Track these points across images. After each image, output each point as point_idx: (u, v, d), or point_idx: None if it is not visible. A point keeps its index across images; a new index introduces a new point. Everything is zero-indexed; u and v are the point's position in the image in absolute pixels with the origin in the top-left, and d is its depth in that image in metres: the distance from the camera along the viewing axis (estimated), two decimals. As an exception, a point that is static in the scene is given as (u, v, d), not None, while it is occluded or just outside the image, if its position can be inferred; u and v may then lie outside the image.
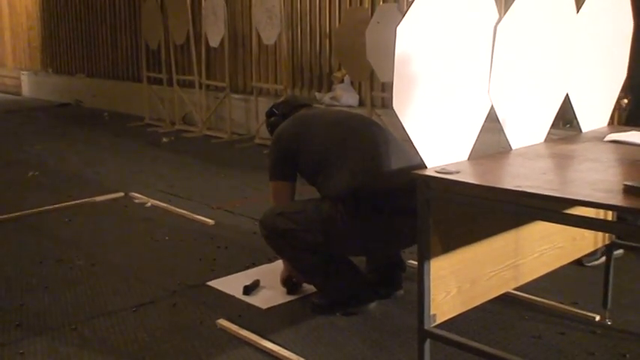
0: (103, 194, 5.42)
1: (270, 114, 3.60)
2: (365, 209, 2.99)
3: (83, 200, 5.27)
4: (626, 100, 3.54)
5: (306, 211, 3.11)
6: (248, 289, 3.44)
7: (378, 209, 2.98)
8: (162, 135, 8.34)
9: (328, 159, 3.14)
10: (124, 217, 4.91)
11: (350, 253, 3.22)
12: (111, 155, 7.26)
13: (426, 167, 2.18)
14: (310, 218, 3.07)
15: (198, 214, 4.81)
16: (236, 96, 8.23)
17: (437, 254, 2.22)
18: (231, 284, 3.56)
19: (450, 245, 2.26)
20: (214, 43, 8.01)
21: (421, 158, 2.19)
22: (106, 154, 7.31)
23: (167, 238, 4.38)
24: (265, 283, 3.50)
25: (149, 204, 5.16)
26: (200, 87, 8.47)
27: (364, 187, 3.01)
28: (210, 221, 4.67)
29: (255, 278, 3.51)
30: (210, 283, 3.59)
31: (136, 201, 5.28)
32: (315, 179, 3.21)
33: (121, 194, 5.46)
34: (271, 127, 3.52)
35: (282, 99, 4.24)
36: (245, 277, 3.60)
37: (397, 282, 3.39)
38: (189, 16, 8.25)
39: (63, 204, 5.16)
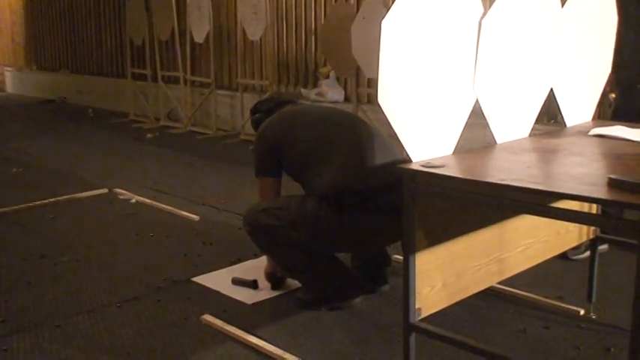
0: (87, 190, 5.39)
1: (254, 111, 3.59)
2: (350, 207, 2.98)
3: (68, 196, 5.24)
4: (613, 95, 3.55)
5: (290, 207, 3.10)
6: (237, 282, 3.45)
7: (363, 207, 2.98)
8: (147, 131, 8.31)
9: (313, 156, 3.14)
10: (109, 214, 4.88)
11: (334, 250, 3.22)
12: (95, 151, 7.23)
13: (411, 162, 2.18)
14: (294, 215, 3.07)
15: (183, 210, 4.80)
16: (221, 92, 8.21)
17: (422, 248, 2.22)
18: (216, 280, 3.55)
19: (435, 239, 2.27)
20: (199, 39, 7.98)
21: (406, 153, 2.19)
22: (90, 151, 7.27)
23: (152, 234, 4.36)
24: (250, 278, 3.49)
25: (134, 200, 5.14)
26: (185, 83, 8.45)
27: (349, 186, 3.00)
28: (195, 217, 4.66)
29: (253, 279, 3.48)
30: (195, 279, 3.58)
31: (121, 197, 5.25)
32: (300, 176, 3.20)
33: (106, 190, 5.43)
34: (256, 124, 3.51)
35: (266, 96, 4.22)
36: (230, 273, 3.59)
37: (382, 277, 3.39)
38: (174, 12, 8.22)
39: (47, 200, 5.13)
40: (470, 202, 2.24)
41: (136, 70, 9.23)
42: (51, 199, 5.16)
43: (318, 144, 3.15)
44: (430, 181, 2.13)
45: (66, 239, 4.30)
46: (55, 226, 4.60)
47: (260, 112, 3.53)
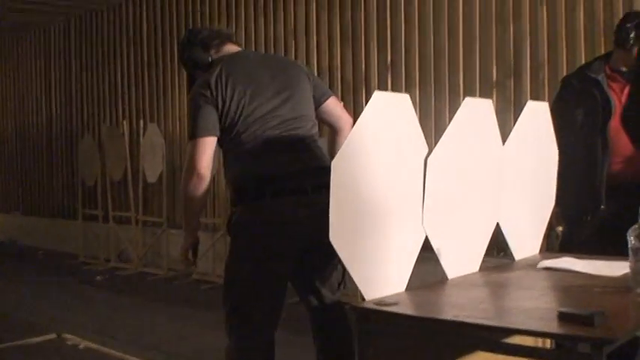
0: (35, 336, 5.21)
1: (189, 41, 3.14)
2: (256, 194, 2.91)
3: (14, 343, 5.05)
4: (560, 228, 3.63)
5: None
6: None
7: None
8: (97, 273, 8.17)
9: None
10: (56, 360, 4.72)
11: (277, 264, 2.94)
12: (44, 295, 7.05)
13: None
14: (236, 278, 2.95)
15: (133, 356, 4.65)
16: (174, 231, 8.17)
17: (378, 389, 2.17)
18: None
19: (391, 379, 2.23)
20: (152, 178, 8.03)
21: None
22: (38, 294, 7.09)
23: (100, 381, 4.22)
24: None
25: (82, 346, 4.98)
26: (137, 223, 8.41)
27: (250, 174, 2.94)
28: (146, 362, 4.53)
29: None
30: None
31: (69, 342, 5.08)
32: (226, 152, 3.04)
33: (54, 335, 5.26)
34: (190, 60, 3.12)
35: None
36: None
37: None
38: (127, 153, 8.29)
39: (-9, 348, 4.95)
40: (424, 340, 2.22)
41: (87, 211, 9.19)
42: (-4, 347, 4.98)
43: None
44: (384, 319, 2.12)
45: (10, 389, 4.12)
46: (-2, 375, 4.42)
47: (195, 44, 3.13)
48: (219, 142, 2.97)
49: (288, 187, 2.89)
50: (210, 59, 3.08)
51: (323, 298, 3.09)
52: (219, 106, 2.89)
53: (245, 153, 2.95)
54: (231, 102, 2.90)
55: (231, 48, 3.16)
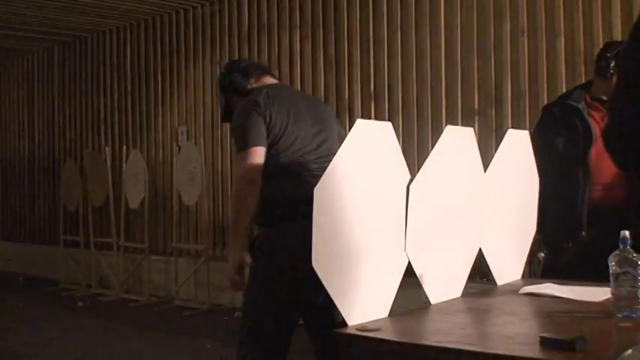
0: (13, 363, 5.17)
1: (232, 68, 3.36)
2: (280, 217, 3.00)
3: (-9, 371, 5.01)
4: (542, 254, 3.65)
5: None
6: None
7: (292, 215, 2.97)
8: (78, 299, 8.11)
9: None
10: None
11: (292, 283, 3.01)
12: (24, 321, 6.97)
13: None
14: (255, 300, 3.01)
15: (115, 382, 4.62)
16: (155, 257, 8.13)
17: (361, 416, 2.17)
18: None
19: (373, 405, 2.22)
20: (134, 204, 8.00)
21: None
22: (18, 321, 7.01)
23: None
24: None
25: (62, 372, 4.94)
26: (118, 249, 8.37)
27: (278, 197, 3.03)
28: (127, 389, 4.48)
29: None
30: None
31: (48, 370, 5.04)
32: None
33: (33, 363, 5.22)
34: (230, 85, 3.30)
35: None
36: None
37: None
38: (109, 178, 8.27)
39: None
40: (407, 365, 2.23)
41: (69, 237, 9.12)
42: (-27, 375, 4.92)
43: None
44: (366, 346, 2.12)
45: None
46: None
47: (236, 71, 3.34)
48: None
49: None
50: (249, 86, 3.26)
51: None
52: (267, 121, 3.04)
53: (281, 173, 3.06)
54: (277, 119, 3.05)
55: (269, 80, 3.35)
